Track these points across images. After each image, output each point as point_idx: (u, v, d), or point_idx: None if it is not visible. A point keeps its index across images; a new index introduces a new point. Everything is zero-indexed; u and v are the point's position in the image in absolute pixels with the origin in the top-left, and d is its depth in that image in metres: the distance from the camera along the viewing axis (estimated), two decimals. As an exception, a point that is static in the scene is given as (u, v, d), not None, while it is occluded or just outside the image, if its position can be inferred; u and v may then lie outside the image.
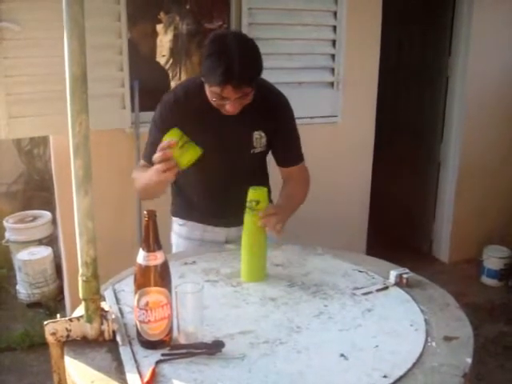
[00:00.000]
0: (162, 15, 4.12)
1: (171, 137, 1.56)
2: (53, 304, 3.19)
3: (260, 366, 1.20)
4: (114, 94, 2.61)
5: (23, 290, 3.25)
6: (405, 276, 1.61)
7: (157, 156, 1.55)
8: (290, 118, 1.86)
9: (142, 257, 1.24)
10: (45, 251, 3.35)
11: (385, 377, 1.15)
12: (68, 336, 1.30)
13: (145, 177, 1.68)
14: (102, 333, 1.31)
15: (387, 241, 4.14)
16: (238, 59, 1.53)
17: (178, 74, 4.45)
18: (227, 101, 1.61)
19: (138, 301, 1.24)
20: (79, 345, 1.30)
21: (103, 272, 1.34)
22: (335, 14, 3.01)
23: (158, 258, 1.24)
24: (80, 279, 1.28)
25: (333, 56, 3.03)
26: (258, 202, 1.57)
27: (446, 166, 3.87)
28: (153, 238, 1.24)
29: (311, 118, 3.07)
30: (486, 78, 3.63)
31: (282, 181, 1.91)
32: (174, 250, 2.04)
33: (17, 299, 3.31)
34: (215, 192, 1.89)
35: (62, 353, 1.30)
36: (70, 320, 1.30)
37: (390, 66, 4.04)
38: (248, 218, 1.60)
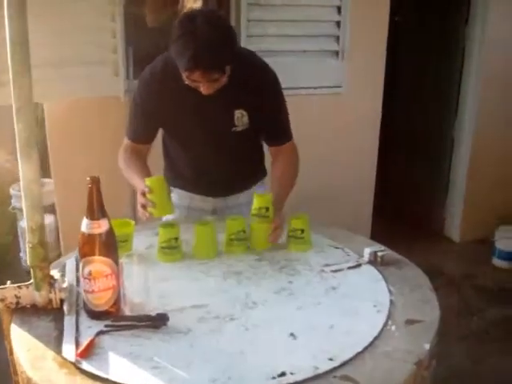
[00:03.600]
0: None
1: (152, 183, 1.56)
2: (52, 272, 3.20)
3: (202, 343, 1.15)
4: (106, 60, 2.55)
5: (25, 257, 3.28)
6: (379, 254, 1.54)
7: (138, 197, 1.58)
8: (276, 94, 1.75)
9: (85, 225, 1.19)
10: (46, 219, 3.35)
11: (330, 359, 1.09)
12: (18, 303, 1.28)
13: (131, 180, 1.71)
14: (50, 301, 1.28)
15: (397, 218, 4.04)
16: (206, 44, 1.44)
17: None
18: (200, 83, 1.54)
19: (82, 270, 1.20)
20: (27, 313, 1.27)
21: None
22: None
23: (101, 226, 1.19)
24: (27, 246, 1.25)
25: (338, 23, 2.90)
26: (267, 209, 1.59)
27: (460, 142, 3.71)
28: (96, 206, 1.19)
29: (314, 88, 2.96)
30: (504, 47, 3.43)
31: (271, 158, 1.84)
32: (164, 217, 2.01)
33: (21, 266, 3.35)
34: (201, 168, 1.86)
35: (12, 320, 1.27)
36: (19, 287, 1.28)
37: (404, 34, 3.89)
38: (257, 225, 1.60)
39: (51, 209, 3.56)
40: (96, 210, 1.19)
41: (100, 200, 1.19)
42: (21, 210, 3.52)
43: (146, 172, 1.71)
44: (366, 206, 3.37)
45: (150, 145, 1.83)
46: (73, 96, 2.55)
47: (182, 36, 1.46)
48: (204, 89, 1.55)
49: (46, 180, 3.67)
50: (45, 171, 3.97)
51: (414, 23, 3.92)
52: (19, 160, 1.20)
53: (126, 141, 1.81)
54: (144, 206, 1.55)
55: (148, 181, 1.57)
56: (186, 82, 1.55)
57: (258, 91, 1.69)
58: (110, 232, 1.21)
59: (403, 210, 4.11)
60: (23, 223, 3.31)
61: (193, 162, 1.87)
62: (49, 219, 3.37)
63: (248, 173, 1.90)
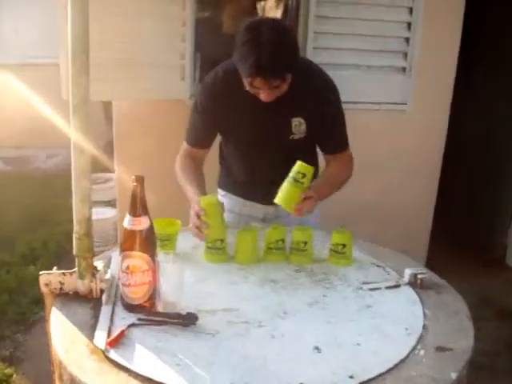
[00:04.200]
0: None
1: (208, 207, 1.56)
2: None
3: (227, 346, 1.17)
4: (174, 64, 2.64)
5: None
6: (419, 276, 1.50)
7: (191, 218, 1.58)
8: (333, 103, 1.76)
9: (127, 220, 1.25)
10: (109, 213, 3.51)
11: (351, 377, 1.08)
12: (61, 289, 1.35)
13: (186, 193, 1.73)
14: (91, 290, 1.35)
15: (455, 244, 3.91)
16: (269, 51, 1.47)
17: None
18: (260, 90, 1.57)
19: (121, 263, 1.26)
20: (69, 298, 1.34)
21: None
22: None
23: (142, 223, 1.24)
24: (74, 236, 1.32)
25: (407, 39, 2.85)
26: (304, 175, 1.54)
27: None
28: (139, 203, 1.24)
29: (378, 103, 2.92)
30: None
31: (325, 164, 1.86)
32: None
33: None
34: (256, 175, 1.89)
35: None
36: (64, 274, 1.35)
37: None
38: (288, 186, 1.55)
39: (114, 203, 3.74)
40: (138, 207, 1.24)
41: (143, 198, 1.24)
42: (93, 202, 3.70)
43: (200, 182, 1.76)
44: (423, 228, 3.28)
45: (207, 150, 1.88)
46: (140, 97, 2.66)
47: (247, 42, 1.50)
48: (264, 96, 1.58)
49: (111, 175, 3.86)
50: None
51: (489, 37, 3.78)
52: (72, 154, 1.27)
53: (184, 145, 1.87)
54: (198, 228, 1.56)
55: (203, 203, 1.57)
56: (247, 89, 1.59)
57: (316, 100, 1.71)
58: (151, 229, 1.26)
59: (463, 235, 3.97)
60: (93, 216, 3.50)
61: (248, 168, 1.90)
62: (110, 213, 3.54)
63: None
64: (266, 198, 1.89)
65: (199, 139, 1.85)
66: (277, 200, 1.57)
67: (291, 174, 1.55)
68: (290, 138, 1.76)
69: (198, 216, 1.56)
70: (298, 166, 1.55)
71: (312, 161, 1.91)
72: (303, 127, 1.75)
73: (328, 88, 1.76)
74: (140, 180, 1.23)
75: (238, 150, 1.90)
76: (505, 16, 3.63)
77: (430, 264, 2.96)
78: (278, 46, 1.49)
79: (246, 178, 1.93)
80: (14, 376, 2.55)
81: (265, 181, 1.84)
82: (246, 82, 1.57)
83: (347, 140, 1.82)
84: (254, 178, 1.90)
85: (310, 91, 1.70)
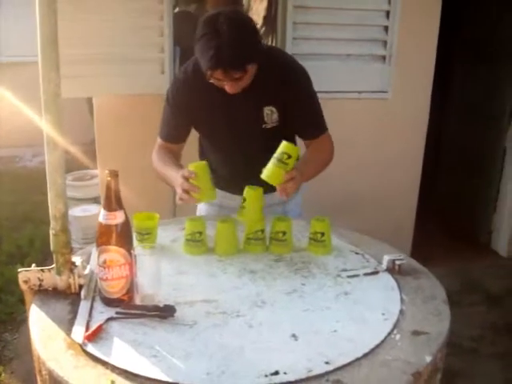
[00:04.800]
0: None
1: (197, 168, 1.57)
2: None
3: (205, 336, 1.18)
4: (153, 59, 2.63)
5: (73, 245, 3.44)
6: (397, 262, 1.52)
7: (180, 182, 1.56)
8: (305, 89, 1.77)
9: (102, 215, 1.25)
10: (94, 209, 3.50)
11: (326, 363, 1.10)
12: (40, 285, 1.36)
13: (166, 176, 1.72)
14: (69, 286, 1.35)
15: (441, 230, 3.95)
16: (228, 43, 1.47)
17: (270, 44, 4.39)
18: (224, 82, 1.57)
19: (98, 258, 1.26)
20: (48, 295, 1.35)
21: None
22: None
23: (117, 217, 1.25)
24: (50, 232, 1.32)
25: (386, 28, 2.86)
26: (289, 156, 1.53)
27: (512, 152, 3.57)
28: (114, 198, 1.25)
29: (359, 92, 2.93)
30: None
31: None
32: (198, 213, 2.06)
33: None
34: (232, 166, 1.89)
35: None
36: (42, 270, 1.35)
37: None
38: (272, 167, 1.55)
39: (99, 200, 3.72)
40: (113, 201, 1.24)
41: (117, 192, 1.25)
42: (72, 199, 3.68)
43: (180, 167, 1.74)
44: (407, 216, 3.30)
45: (182, 145, 1.88)
46: (119, 92, 2.64)
47: (204, 36, 1.50)
48: (228, 87, 1.58)
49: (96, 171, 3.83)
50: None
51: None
52: (45, 151, 1.27)
53: (158, 140, 1.87)
54: (187, 192, 1.55)
55: (192, 166, 1.58)
56: (211, 81, 1.59)
57: (286, 87, 1.70)
58: (126, 224, 1.26)
59: (449, 222, 4.01)
60: (71, 212, 3.49)
61: (224, 160, 1.91)
62: (97, 210, 3.52)
63: None
64: (244, 188, 1.91)
65: (172, 134, 1.85)
66: (263, 176, 1.56)
67: (276, 155, 1.55)
68: (263, 126, 1.76)
69: (187, 179, 1.55)
70: (284, 146, 1.54)
71: None
72: (275, 116, 1.75)
73: (297, 74, 1.75)
74: (114, 174, 1.24)
75: (214, 143, 1.90)
76: (483, 4, 3.66)
77: (416, 251, 3.00)
78: (236, 38, 1.49)
79: (224, 171, 1.92)
80: (3, 375, 2.55)
81: (242, 172, 1.84)
82: (208, 75, 1.57)
83: (324, 123, 1.82)
84: (232, 170, 1.90)
85: (280, 80, 1.70)
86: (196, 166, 1.59)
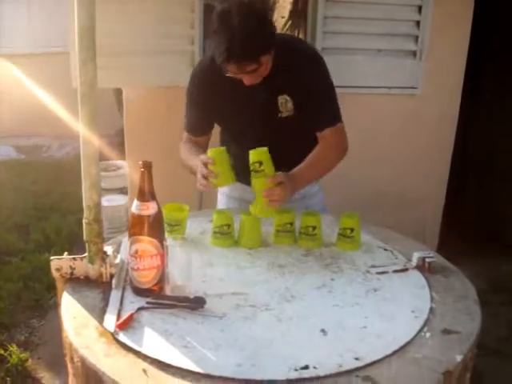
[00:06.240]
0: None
1: (214, 155, 1.59)
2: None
3: (234, 328, 1.19)
4: (183, 51, 2.64)
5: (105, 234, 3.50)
6: (427, 260, 1.50)
7: (199, 168, 1.60)
8: (318, 77, 1.74)
9: (135, 206, 1.26)
10: (120, 199, 3.54)
11: (356, 359, 1.09)
12: (72, 273, 1.38)
13: (190, 165, 1.74)
14: (101, 274, 1.37)
15: (468, 229, 3.89)
16: (239, 36, 1.46)
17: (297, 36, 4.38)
18: (239, 75, 1.57)
19: (130, 248, 1.28)
20: (80, 283, 1.37)
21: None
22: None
23: (150, 208, 1.26)
24: (83, 222, 1.34)
25: (417, 23, 2.82)
26: (260, 163, 1.54)
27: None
28: (147, 189, 1.26)
29: (389, 88, 2.90)
30: None
31: None
32: (218, 206, 2.07)
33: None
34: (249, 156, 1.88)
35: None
36: (74, 259, 1.37)
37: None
38: (252, 181, 1.58)
39: (126, 190, 3.77)
40: (146, 192, 1.26)
41: (150, 184, 1.26)
42: (104, 189, 3.73)
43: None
44: (435, 214, 3.26)
45: (206, 137, 1.89)
46: (150, 84, 2.67)
47: (217, 30, 1.50)
48: (245, 80, 1.59)
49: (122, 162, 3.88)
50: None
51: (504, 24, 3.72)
52: (81, 142, 1.29)
53: (184, 134, 1.89)
54: (205, 177, 1.57)
55: (210, 152, 1.60)
56: (228, 75, 1.59)
57: (300, 76, 1.69)
58: (158, 214, 1.27)
59: (476, 220, 3.94)
60: (104, 202, 3.54)
61: (242, 151, 1.86)
62: (123, 200, 3.57)
63: (298, 162, 1.81)
64: None
65: (195, 127, 1.87)
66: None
67: (250, 168, 1.56)
68: (279, 116, 1.75)
69: (206, 165, 1.57)
70: (250, 155, 1.55)
71: (307, 142, 1.84)
72: (290, 105, 1.74)
73: (312, 63, 1.74)
74: (147, 166, 1.25)
75: (232, 134, 1.90)
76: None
77: (442, 249, 2.96)
78: (248, 31, 1.48)
79: (242, 163, 1.91)
80: (30, 360, 2.61)
81: None
82: (223, 68, 1.57)
83: (336, 115, 1.77)
84: (248, 161, 1.89)
85: (294, 68, 1.69)
86: (214, 151, 1.60)
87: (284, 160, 1.68)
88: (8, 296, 3.08)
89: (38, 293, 3.12)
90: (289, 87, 1.71)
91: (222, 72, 1.60)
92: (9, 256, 3.54)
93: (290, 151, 1.74)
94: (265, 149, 1.56)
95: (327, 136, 1.76)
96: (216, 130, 1.93)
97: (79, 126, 1.27)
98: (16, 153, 6.10)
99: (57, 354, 2.06)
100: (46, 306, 3.03)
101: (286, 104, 1.73)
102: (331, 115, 1.77)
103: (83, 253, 1.37)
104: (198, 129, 1.87)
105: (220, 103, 1.76)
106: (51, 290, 3.03)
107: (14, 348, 2.62)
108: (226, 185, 1.68)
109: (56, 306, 1.57)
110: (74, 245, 3.56)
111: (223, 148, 1.64)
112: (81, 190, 1.32)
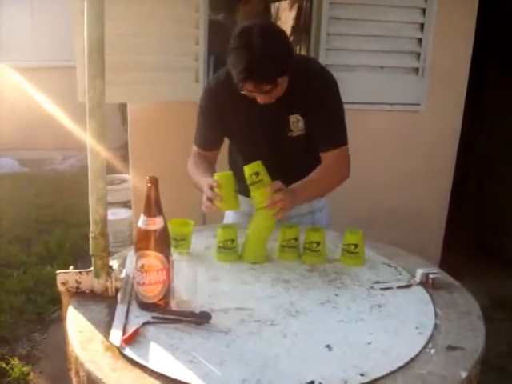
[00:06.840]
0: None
1: (221, 178, 1.61)
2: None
3: (239, 343, 1.19)
4: (188, 67, 2.67)
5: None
6: (431, 276, 1.51)
7: (205, 190, 1.62)
8: (329, 100, 1.76)
9: (141, 221, 1.27)
10: (124, 213, 3.55)
11: (361, 375, 1.10)
12: (78, 287, 1.38)
13: (198, 183, 1.76)
14: (106, 289, 1.38)
15: (469, 245, 3.90)
16: (259, 56, 1.48)
17: (298, 53, 4.41)
18: (255, 93, 1.60)
19: (136, 262, 1.28)
20: (85, 297, 1.37)
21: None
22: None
23: (156, 223, 1.27)
24: (90, 236, 1.35)
25: (420, 40, 2.85)
26: (257, 174, 1.56)
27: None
28: (154, 204, 1.27)
29: (391, 104, 2.93)
30: None
31: None
32: (224, 221, 2.08)
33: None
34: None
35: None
36: (80, 273, 1.38)
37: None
38: (252, 194, 1.59)
39: (129, 204, 3.77)
40: (153, 207, 1.27)
41: (157, 199, 1.27)
42: (108, 203, 3.74)
43: (214, 172, 1.76)
44: (437, 230, 3.27)
45: (216, 152, 1.91)
46: (155, 99, 2.69)
47: (237, 48, 1.52)
48: (259, 99, 1.62)
49: (126, 176, 3.89)
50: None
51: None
52: (88, 156, 1.30)
53: (194, 148, 1.91)
54: (211, 200, 1.59)
55: (217, 176, 1.63)
56: (242, 92, 1.61)
57: (313, 97, 1.71)
58: (165, 229, 1.28)
59: (477, 236, 3.95)
60: (109, 216, 3.55)
61: None
62: (126, 213, 3.58)
63: None
64: None
65: (206, 141, 1.89)
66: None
67: (248, 183, 1.58)
68: (289, 135, 1.77)
69: (212, 188, 1.58)
70: (245, 170, 1.58)
71: (315, 161, 1.86)
72: (301, 124, 1.76)
73: (324, 83, 1.75)
74: (154, 181, 1.26)
75: (242, 150, 1.92)
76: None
77: (444, 265, 2.96)
78: (268, 52, 1.50)
79: None
80: (32, 374, 2.60)
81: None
82: (239, 86, 1.58)
83: (341, 138, 1.79)
84: None
85: (307, 88, 1.71)
86: (220, 175, 1.62)
87: (291, 177, 1.71)
88: (10, 309, 3.07)
89: (40, 306, 3.12)
90: (301, 107, 1.73)
91: (236, 89, 1.61)
92: (11, 269, 3.54)
93: (297, 169, 1.77)
94: (258, 161, 1.58)
95: (330, 157, 1.78)
96: (225, 145, 1.94)
97: (87, 140, 1.29)
98: (19, 166, 6.12)
99: (59, 367, 2.05)
100: (49, 319, 3.02)
101: (297, 123, 1.75)
102: (334, 139, 1.79)
103: (86, 266, 1.38)
104: (209, 143, 1.89)
105: (232, 119, 1.79)
106: (53, 303, 3.03)
107: (15, 361, 2.62)
108: (231, 209, 1.69)
109: (58, 319, 1.58)
110: (78, 259, 3.57)
111: (230, 172, 1.66)
112: (84, 202, 1.33)
